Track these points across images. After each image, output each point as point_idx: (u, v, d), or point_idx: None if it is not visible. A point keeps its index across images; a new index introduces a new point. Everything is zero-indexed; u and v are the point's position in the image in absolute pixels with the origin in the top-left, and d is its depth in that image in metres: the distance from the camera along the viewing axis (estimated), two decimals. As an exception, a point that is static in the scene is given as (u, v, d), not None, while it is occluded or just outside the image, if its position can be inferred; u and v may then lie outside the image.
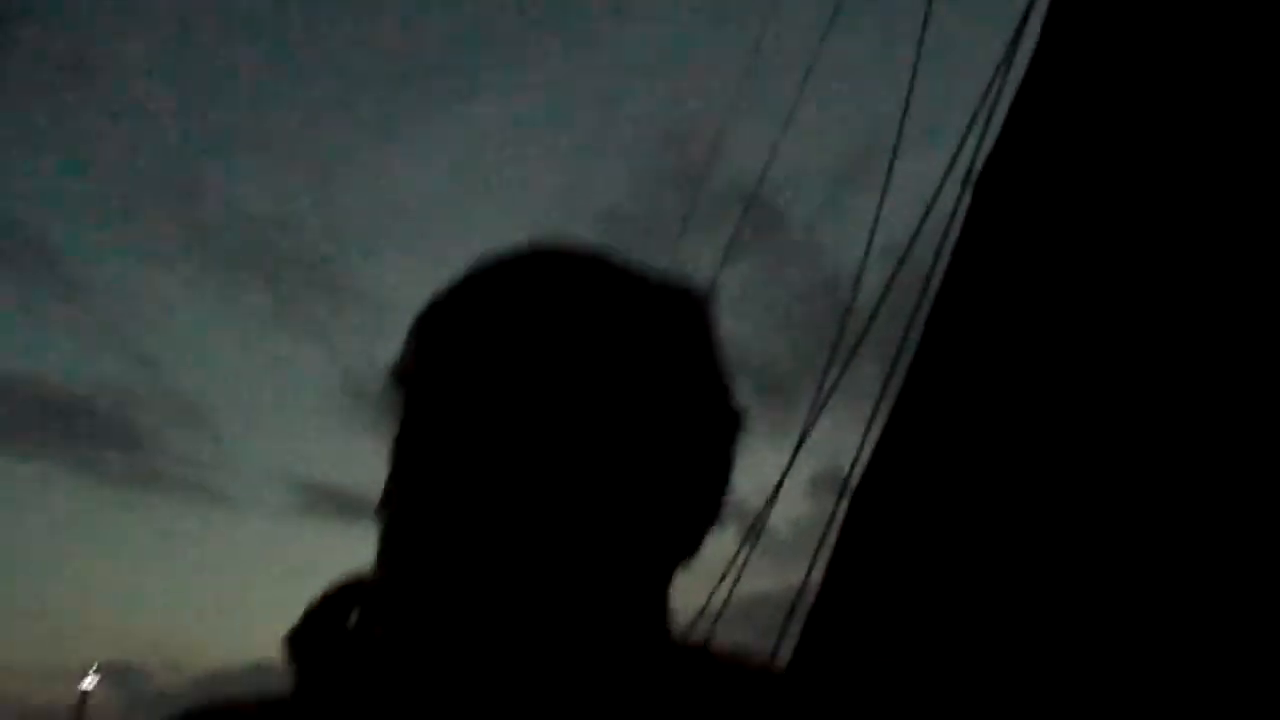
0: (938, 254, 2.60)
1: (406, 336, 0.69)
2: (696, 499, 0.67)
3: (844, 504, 2.33)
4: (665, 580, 0.68)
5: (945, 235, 2.37)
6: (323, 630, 0.69)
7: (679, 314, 0.69)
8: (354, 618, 0.69)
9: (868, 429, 2.34)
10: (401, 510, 0.64)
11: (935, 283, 2.42)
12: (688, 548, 0.68)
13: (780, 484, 2.85)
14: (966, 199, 2.41)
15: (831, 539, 2.30)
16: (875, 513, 2.14)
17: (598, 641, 0.64)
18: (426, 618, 0.63)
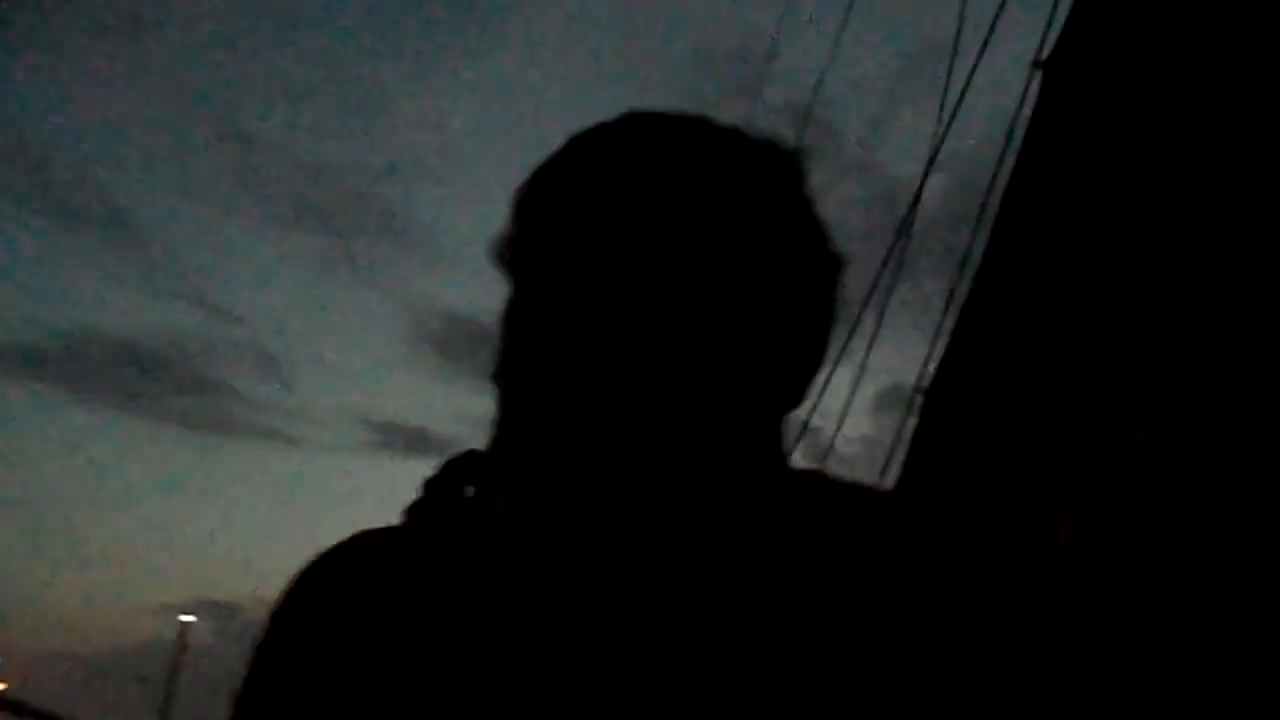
0: (1003, 153, 2.50)
1: (511, 207, 0.70)
2: (801, 339, 0.69)
3: (911, 421, 2.29)
4: (776, 423, 0.70)
5: (1012, 128, 2.27)
6: (442, 499, 0.72)
7: (775, 165, 0.70)
8: (470, 491, 0.72)
9: (937, 332, 2.28)
10: (518, 375, 0.66)
11: (1001, 184, 2.33)
12: (795, 389, 0.69)
13: (824, 382, 2.81)
14: (1031, 99, 2.31)
15: (900, 454, 2.27)
16: (949, 420, 2.10)
17: (714, 488, 0.66)
18: (548, 478, 0.65)
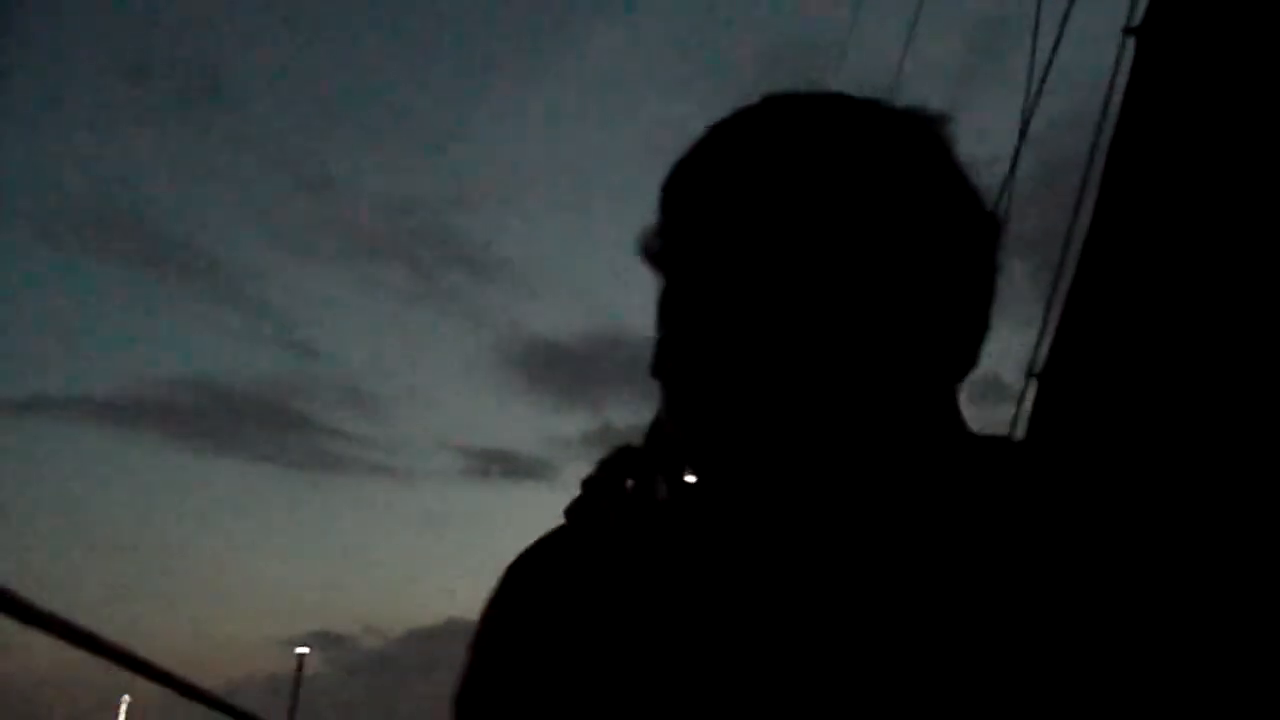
0: (1100, 125, 2.43)
1: (658, 201, 0.70)
2: (968, 302, 0.68)
3: (1017, 410, 2.23)
4: (951, 391, 0.69)
5: (1108, 97, 2.20)
6: (604, 495, 0.73)
7: (922, 132, 0.70)
8: (631, 484, 0.72)
9: (1047, 313, 2.22)
10: (685, 366, 0.66)
11: (1091, 158, 2.26)
12: (969, 353, 0.69)
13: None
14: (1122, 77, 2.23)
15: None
16: (1071, 402, 2.03)
17: (901, 460, 0.65)
18: (723, 466, 0.65)
